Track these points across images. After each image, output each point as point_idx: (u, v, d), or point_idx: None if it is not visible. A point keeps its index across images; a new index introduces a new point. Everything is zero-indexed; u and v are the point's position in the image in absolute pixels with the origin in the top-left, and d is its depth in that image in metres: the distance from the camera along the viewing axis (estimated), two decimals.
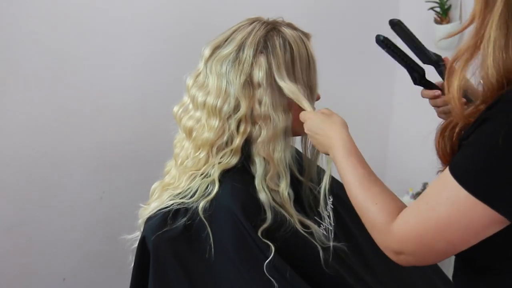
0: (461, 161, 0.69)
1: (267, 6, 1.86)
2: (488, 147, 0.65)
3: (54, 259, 1.74)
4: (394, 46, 1.04)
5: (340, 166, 0.89)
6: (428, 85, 1.08)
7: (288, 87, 0.99)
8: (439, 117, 1.09)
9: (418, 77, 1.07)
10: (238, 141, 0.99)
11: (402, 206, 0.80)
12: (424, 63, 1.09)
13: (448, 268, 2.10)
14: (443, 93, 1.05)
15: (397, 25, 1.05)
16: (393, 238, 0.76)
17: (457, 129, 0.74)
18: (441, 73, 1.07)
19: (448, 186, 0.68)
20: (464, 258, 0.80)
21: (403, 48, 1.08)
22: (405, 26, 1.06)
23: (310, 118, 0.98)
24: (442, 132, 0.77)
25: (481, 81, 0.70)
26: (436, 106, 1.09)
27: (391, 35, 1.06)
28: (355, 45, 2.14)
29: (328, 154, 0.95)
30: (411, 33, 1.07)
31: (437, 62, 1.07)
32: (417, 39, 1.07)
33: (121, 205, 1.79)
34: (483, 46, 0.68)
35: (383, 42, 1.03)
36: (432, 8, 2.01)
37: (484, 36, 0.68)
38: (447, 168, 0.70)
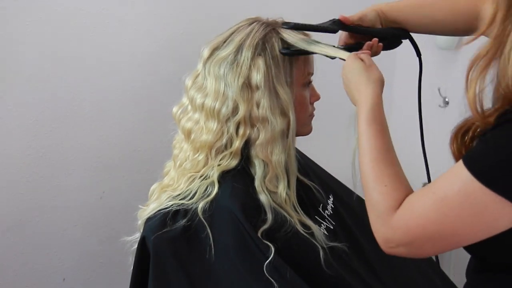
0: (478, 155, 0.68)
1: (266, 5, 1.87)
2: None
3: (54, 259, 1.74)
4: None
5: (360, 129, 0.86)
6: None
7: (285, 94, 0.98)
8: None
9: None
10: (237, 143, 0.99)
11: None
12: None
13: (448, 268, 2.10)
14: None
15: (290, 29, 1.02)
16: (392, 226, 0.75)
17: (470, 134, 0.74)
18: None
19: (461, 178, 0.67)
20: (481, 257, 0.80)
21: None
22: (296, 26, 1.02)
23: (348, 64, 0.95)
24: (456, 136, 0.76)
25: (499, 87, 0.69)
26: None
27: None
28: None
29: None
30: (304, 25, 1.03)
31: (336, 27, 1.04)
32: (309, 25, 1.04)
33: (121, 205, 1.79)
34: (504, 57, 0.67)
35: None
36: None
37: (505, 47, 0.67)
38: (459, 162, 0.69)
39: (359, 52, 1.00)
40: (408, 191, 0.78)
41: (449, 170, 0.71)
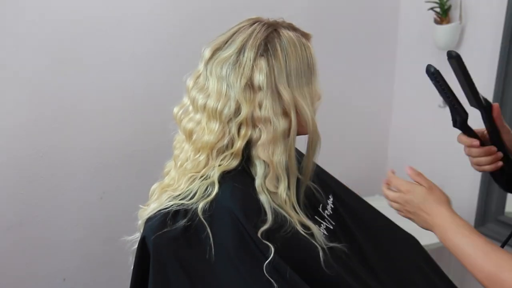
0: None
1: (267, 5, 1.87)
2: None
3: (54, 259, 1.74)
4: (443, 81, 0.98)
5: (453, 242, 0.90)
6: (467, 131, 1.03)
7: (287, 95, 0.99)
8: (472, 167, 1.05)
9: (460, 121, 1.02)
10: (239, 144, 0.99)
11: None
12: (471, 105, 1.02)
13: (448, 268, 2.10)
14: (481, 143, 1.01)
15: (454, 59, 0.97)
16: None
17: None
18: (488, 120, 1.00)
19: None
20: None
21: (453, 84, 1.00)
22: (463, 62, 0.98)
23: (412, 191, 0.99)
24: None
25: None
26: (470, 155, 1.05)
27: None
28: (355, 44, 2.14)
29: (431, 230, 0.97)
30: (467, 71, 0.99)
31: (486, 108, 1.00)
32: (470, 78, 0.99)
33: (121, 205, 1.79)
34: None
35: (433, 75, 0.97)
36: (432, 8, 2.01)
37: None
38: None
39: (415, 177, 1.03)
40: None
41: None
